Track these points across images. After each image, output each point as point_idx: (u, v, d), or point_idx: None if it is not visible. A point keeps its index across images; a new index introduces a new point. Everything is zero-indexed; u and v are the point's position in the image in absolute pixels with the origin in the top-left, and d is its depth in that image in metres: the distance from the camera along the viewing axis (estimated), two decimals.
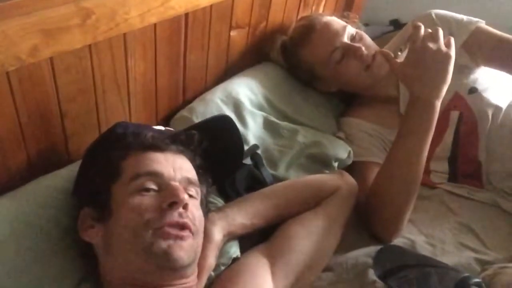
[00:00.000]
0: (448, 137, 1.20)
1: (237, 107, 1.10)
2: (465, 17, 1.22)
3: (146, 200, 0.68)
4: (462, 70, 1.19)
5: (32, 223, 0.74)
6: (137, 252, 0.65)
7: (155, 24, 0.92)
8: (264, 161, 1.05)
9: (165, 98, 1.07)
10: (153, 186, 0.69)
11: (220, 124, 0.88)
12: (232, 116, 1.08)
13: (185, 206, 0.68)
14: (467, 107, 1.19)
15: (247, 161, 1.02)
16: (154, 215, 0.66)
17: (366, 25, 1.51)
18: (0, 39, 0.65)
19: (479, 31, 1.19)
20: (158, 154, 0.73)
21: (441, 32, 0.97)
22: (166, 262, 0.65)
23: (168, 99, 1.08)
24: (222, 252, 0.84)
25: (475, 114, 1.18)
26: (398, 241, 1.02)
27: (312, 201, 0.92)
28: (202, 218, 0.74)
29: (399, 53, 1.03)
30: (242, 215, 0.85)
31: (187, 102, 1.12)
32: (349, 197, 0.97)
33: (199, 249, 0.72)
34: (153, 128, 0.84)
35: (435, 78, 0.96)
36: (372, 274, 0.93)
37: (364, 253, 0.98)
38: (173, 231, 0.66)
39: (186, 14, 0.99)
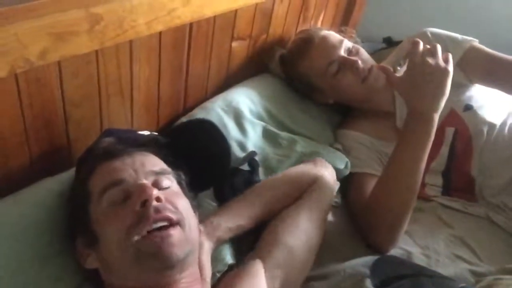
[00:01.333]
0: (444, 152, 1.22)
1: (237, 116, 1.11)
2: (459, 36, 1.25)
3: (120, 210, 0.67)
4: (458, 87, 1.21)
5: (32, 226, 0.74)
6: (129, 263, 0.64)
7: (160, 32, 0.93)
8: (261, 169, 1.07)
9: (167, 105, 1.08)
10: (121, 195, 0.68)
11: (203, 126, 0.89)
12: (232, 125, 1.10)
13: (158, 199, 0.66)
14: (462, 123, 1.21)
15: (245, 167, 1.03)
16: (132, 221, 0.65)
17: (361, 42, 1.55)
18: (11, 41, 0.66)
19: (473, 50, 1.23)
20: (114, 161, 0.72)
21: (439, 48, 0.99)
22: (161, 263, 0.64)
23: (170, 106, 1.10)
24: (217, 259, 0.84)
25: (470, 130, 1.21)
26: (394, 251, 1.04)
27: (293, 194, 0.93)
28: (186, 201, 0.72)
29: (398, 68, 1.06)
30: (226, 219, 0.86)
31: (187, 109, 1.13)
32: (328, 185, 0.97)
33: (194, 235, 0.70)
34: (135, 133, 0.84)
35: (433, 92, 0.97)
36: (369, 284, 0.93)
37: (361, 263, 0.99)
38: (158, 233, 0.64)
39: (191, 24, 1.01)
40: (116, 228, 0.65)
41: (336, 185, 1.00)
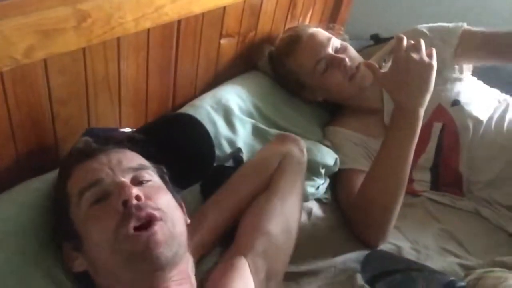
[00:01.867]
0: (431, 147, 1.23)
1: (227, 113, 1.11)
2: (450, 24, 1.28)
3: (100, 210, 0.65)
4: (446, 82, 1.23)
5: (19, 226, 0.73)
6: (119, 265, 0.63)
7: (148, 30, 0.93)
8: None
9: (155, 103, 1.08)
10: (100, 195, 0.67)
11: (182, 120, 0.88)
12: (222, 122, 1.10)
13: (137, 198, 0.64)
14: (449, 119, 1.22)
15: (230, 163, 1.03)
16: (115, 222, 0.63)
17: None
18: None
19: (466, 33, 1.25)
20: (90, 162, 0.70)
21: (423, 43, 1.00)
22: (149, 265, 0.63)
23: (158, 104, 1.09)
24: (208, 262, 0.84)
25: (457, 126, 1.22)
26: (384, 246, 1.04)
27: (263, 181, 0.90)
28: (167, 196, 0.71)
29: (383, 64, 1.06)
30: (208, 233, 0.85)
31: (176, 107, 1.13)
32: (296, 160, 0.94)
33: (179, 229, 0.68)
34: (117, 131, 0.83)
35: (418, 87, 0.98)
36: (360, 279, 0.94)
37: (352, 258, 1.00)
38: (143, 233, 0.62)
39: (179, 21, 1.00)
40: (100, 229, 0.64)
41: (303, 159, 0.97)
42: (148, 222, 0.64)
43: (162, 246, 0.63)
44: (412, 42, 1.00)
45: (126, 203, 0.64)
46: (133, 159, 0.73)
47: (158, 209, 0.66)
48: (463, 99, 1.23)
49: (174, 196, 0.73)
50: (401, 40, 1.00)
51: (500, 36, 1.21)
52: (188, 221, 0.75)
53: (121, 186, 0.65)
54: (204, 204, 0.91)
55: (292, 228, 0.88)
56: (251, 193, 0.89)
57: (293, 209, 0.89)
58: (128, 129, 0.84)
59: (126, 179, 0.68)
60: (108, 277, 0.67)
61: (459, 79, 1.26)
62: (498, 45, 1.22)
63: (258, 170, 0.92)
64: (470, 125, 1.21)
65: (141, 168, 0.72)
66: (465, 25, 1.27)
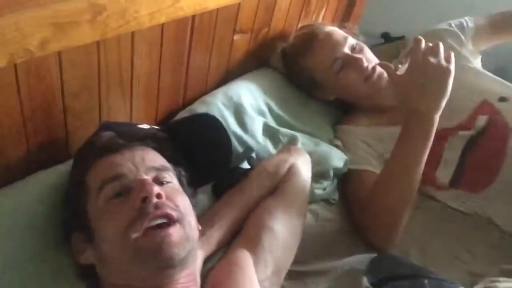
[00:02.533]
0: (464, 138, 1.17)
1: (238, 111, 1.10)
2: (463, 20, 1.32)
3: (118, 205, 0.66)
4: (482, 75, 1.25)
5: (28, 218, 0.73)
6: (128, 260, 0.63)
7: (162, 24, 0.92)
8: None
9: (166, 98, 1.07)
10: (121, 190, 0.67)
11: (206, 121, 0.87)
12: (232, 119, 1.09)
13: (158, 196, 0.65)
14: (497, 113, 1.17)
15: (245, 165, 1.02)
16: (131, 218, 0.63)
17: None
18: (11, 30, 0.64)
19: (477, 24, 1.30)
20: (114, 156, 0.71)
21: (441, 47, 0.98)
22: (162, 262, 0.63)
23: (169, 99, 1.08)
24: (213, 259, 0.84)
25: (508, 121, 1.15)
26: (391, 250, 1.04)
27: (272, 186, 0.93)
28: (185, 199, 0.71)
29: (400, 66, 1.05)
30: (218, 231, 0.85)
31: (187, 102, 1.12)
32: (302, 170, 0.97)
33: (193, 233, 0.69)
34: (137, 127, 0.82)
35: (434, 92, 0.97)
36: (366, 282, 0.93)
37: (358, 260, 0.99)
38: (158, 232, 0.63)
39: (193, 16, 0.99)
40: (114, 224, 0.64)
41: (310, 171, 1.00)
42: (164, 223, 0.64)
43: (176, 247, 0.63)
44: (431, 45, 0.98)
45: (145, 199, 0.64)
46: (156, 159, 0.73)
47: (176, 210, 0.66)
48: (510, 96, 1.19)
49: (190, 201, 0.73)
50: (419, 42, 0.98)
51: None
52: (200, 227, 0.75)
53: (143, 183, 0.66)
54: (215, 204, 0.91)
55: (296, 229, 0.89)
56: (261, 195, 0.91)
57: (297, 216, 0.91)
58: (146, 125, 0.83)
59: (148, 177, 0.68)
60: (114, 273, 0.67)
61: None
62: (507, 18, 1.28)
63: (269, 175, 0.94)
64: None
65: (163, 169, 0.72)
66: (473, 18, 1.31)
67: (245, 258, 0.79)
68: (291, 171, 0.95)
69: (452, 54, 0.99)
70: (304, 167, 0.98)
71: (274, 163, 0.97)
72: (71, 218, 0.73)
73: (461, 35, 1.29)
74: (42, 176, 0.80)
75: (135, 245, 0.62)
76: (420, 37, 1.00)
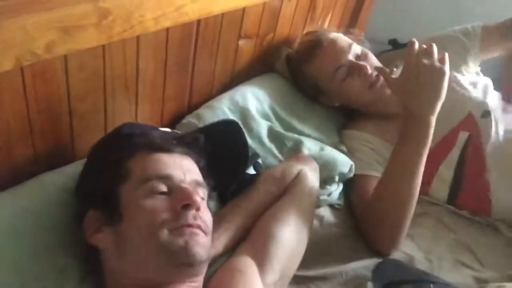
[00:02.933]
0: (453, 157, 1.20)
1: (244, 115, 1.11)
2: (468, 26, 1.31)
3: (158, 202, 0.67)
4: (473, 86, 1.23)
5: (33, 219, 0.74)
6: (154, 252, 0.65)
7: (167, 29, 0.93)
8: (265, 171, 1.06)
9: (171, 102, 1.08)
10: (164, 189, 0.69)
11: (227, 129, 0.88)
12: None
13: (198, 208, 0.68)
14: (477, 131, 1.20)
15: (251, 170, 1.02)
16: (168, 217, 0.66)
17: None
18: (18, 33, 0.65)
19: (485, 32, 1.29)
20: (166, 156, 0.73)
21: (435, 48, 0.98)
22: (185, 258, 0.64)
23: (174, 103, 1.09)
24: (217, 263, 0.83)
25: (483, 138, 1.19)
26: (396, 255, 1.03)
27: (279, 192, 0.93)
28: (210, 216, 0.74)
29: (394, 69, 1.05)
30: (224, 235, 0.85)
31: (192, 107, 1.13)
32: (310, 177, 0.97)
33: (210, 249, 0.72)
34: (159, 130, 0.84)
35: (429, 94, 0.96)
36: (371, 287, 0.93)
37: (363, 266, 0.98)
38: (188, 229, 0.66)
39: (199, 21, 1.00)
40: (150, 218, 0.66)
41: (317, 178, 1.01)
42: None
43: (200, 248, 0.66)
44: (425, 46, 0.98)
45: (187, 206, 0.67)
46: (198, 173, 0.76)
47: (206, 226, 0.70)
48: (494, 111, 1.20)
49: None
50: (412, 44, 0.98)
51: None
52: None
53: (191, 191, 0.68)
54: (223, 209, 0.92)
55: (303, 235, 0.89)
56: (268, 201, 0.92)
57: (304, 223, 0.91)
58: (167, 129, 0.84)
59: (190, 187, 0.71)
60: (130, 262, 0.67)
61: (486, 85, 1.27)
62: None
63: (276, 181, 0.94)
64: (499, 139, 1.18)
65: (202, 185, 0.75)
66: (481, 25, 1.30)
67: (248, 264, 0.79)
68: (299, 177, 0.95)
69: (446, 55, 0.98)
70: (311, 174, 0.98)
71: (280, 169, 0.97)
72: (93, 195, 0.73)
73: (464, 40, 1.29)
74: (48, 177, 0.81)
75: (164, 239, 0.64)
76: (414, 39, 0.99)
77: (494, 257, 1.07)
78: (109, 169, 0.72)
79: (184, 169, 0.73)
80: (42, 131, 0.81)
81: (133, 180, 0.70)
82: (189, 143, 0.79)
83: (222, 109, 1.09)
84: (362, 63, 1.21)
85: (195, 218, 0.67)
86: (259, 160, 1.06)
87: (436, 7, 1.79)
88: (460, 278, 1.00)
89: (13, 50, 0.66)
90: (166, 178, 0.70)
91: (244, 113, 1.11)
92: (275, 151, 1.12)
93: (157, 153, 0.73)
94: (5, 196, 0.75)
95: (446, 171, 1.21)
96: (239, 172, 0.92)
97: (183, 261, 0.65)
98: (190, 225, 0.66)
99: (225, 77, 1.22)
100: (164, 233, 0.65)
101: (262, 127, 1.13)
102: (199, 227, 0.67)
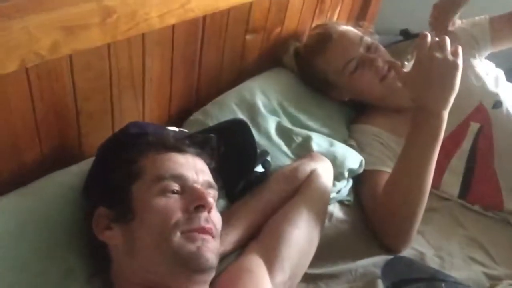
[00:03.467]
0: (464, 150, 1.19)
1: (251, 111, 1.10)
2: (476, 18, 1.29)
3: (171, 202, 0.67)
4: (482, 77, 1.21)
5: (41, 219, 0.74)
6: (165, 255, 0.64)
7: (173, 26, 0.92)
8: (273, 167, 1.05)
9: (179, 99, 1.07)
10: (177, 188, 0.69)
11: (235, 128, 0.87)
12: (246, 120, 1.08)
13: (209, 210, 0.68)
14: (488, 121, 1.18)
15: (259, 168, 1.02)
16: (180, 217, 0.66)
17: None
18: (22, 34, 0.65)
19: (494, 22, 1.27)
20: (179, 156, 0.73)
21: (448, 41, 0.95)
22: (197, 264, 0.64)
23: (182, 100, 1.08)
24: (226, 261, 0.83)
25: (494, 129, 1.18)
26: (407, 252, 1.02)
27: (290, 190, 0.92)
28: (220, 218, 0.73)
29: (406, 63, 1.03)
30: (233, 233, 0.85)
31: (200, 104, 1.12)
32: (323, 176, 0.96)
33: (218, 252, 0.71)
34: (168, 129, 0.83)
35: (441, 87, 0.94)
36: (380, 285, 0.92)
37: (373, 263, 0.98)
38: (200, 235, 0.66)
39: (204, 17, 0.99)
40: (163, 216, 0.65)
41: (331, 178, 1.00)
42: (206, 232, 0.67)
43: (211, 254, 0.66)
44: (437, 39, 0.96)
45: (199, 207, 0.67)
46: (209, 174, 0.76)
47: (216, 227, 0.70)
48: (506, 101, 1.19)
49: None
50: (425, 37, 0.96)
51: None
52: None
53: (204, 193, 0.68)
54: (233, 206, 0.91)
55: (314, 235, 0.89)
56: (280, 199, 0.91)
57: (316, 222, 0.90)
58: (174, 128, 0.84)
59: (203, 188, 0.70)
60: (140, 262, 0.67)
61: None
62: None
63: (287, 178, 0.94)
64: (509, 132, 1.16)
65: (213, 187, 0.74)
66: (489, 16, 1.28)
67: (257, 263, 0.79)
68: (312, 177, 0.94)
69: (460, 48, 0.95)
70: (325, 174, 0.97)
71: (293, 167, 0.96)
72: (104, 192, 0.72)
73: (473, 31, 1.27)
74: (57, 177, 0.81)
75: (177, 243, 0.64)
76: (426, 32, 0.97)
77: (507, 253, 1.05)
78: (122, 168, 0.72)
79: (197, 169, 0.72)
80: (49, 131, 0.81)
81: (146, 179, 0.69)
82: (202, 144, 0.78)
83: (230, 105, 1.08)
84: (372, 55, 1.19)
85: (207, 221, 0.67)
86: (268, 158, 1.05)
87: None
88: (472, 275, 0.99)
89: (17, 51, 0.66)
90: (180, 178, 0.69)
91: (251, 109, 1.10)
92: (284, 147, 1.11)
93: (171, 152, 0.73)
94: (13, 196, 0.75)
95: (458, 164, 1.19)
96: (246, 172, 0.91)
97: (194, 267, 0.64)
98: (202, 229, 0.66)
99: (233, 73, 1.21)
100: (177, 236, 0.64)
101: (270, 122, 1.12)
102: (210, 231, 0.67)
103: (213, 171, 0.78)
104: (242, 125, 0.88)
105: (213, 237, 0.68)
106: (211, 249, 0.66)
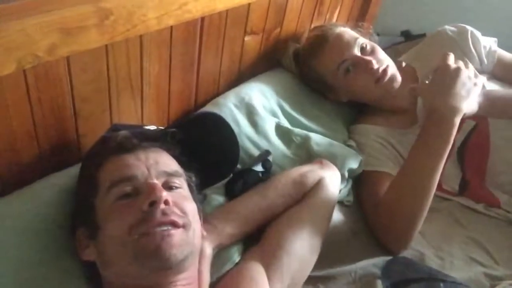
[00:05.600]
0: (457, 143, 1.20)
1: (250, 112, 1.10)
2: (487, 44, 1.31)
3: (126, 206, 0.66)
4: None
5: (38, 221, 0.74)
6: (128, 260, 0.64)
7: (171, 27, 0.92)
8: (274, 167, 1.05)
9: (177, 101, 1.07)
10: (131, 191, 0.68)
11: (212, 122, 0.87)
12: (245, 121, 1.09)
13: (166, 202, 0.65)
14: (485, 119, 1.19)
15: (259, 167, 1.02)
16: (136, 219, 0.64)
17: (377, 35, 1.52)
18: (19, 36, 0.65)
19: (500, 61, 1.32)
20: (128, 156, 0.71)
21: (472, 67, 1.03)
22: (159, 262, 0.63)
23: (180, 101, 1.08)
24: (225, 257, 0.83)
25: (490, 129, 1.18)
26: (407, 253, 1.02)
27: (296, 196, 0.91)
28: (193, 206, 0.72)
29: (426, 82, 1.04)
30: (230, 225, 0.84)
31: (198, 105, 1.12)
32: (331, 187, 0.95)
33: (197, 239, 0.69)
34: (142, 129, 0.82)
35: (459, 95, 0.97)
36: (380, 286, 0.92)
37: (373, 264, 0.97)
38: (159, 231, 0.63)
39: (202, 18, 0.99)
40: (119, 223, 0.65)
41: (338, 188, 0.99)
42: (168, 229, 0.65)
43: (175, 248, 0.63)
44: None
45: (153, 204, 0.64)
46: (169, 163, 0.74)
47: (183, 216, 0.67)
48: None
49: (198, 207, 0.73)
50: (448, 54, 1.03)
51: None
52: (205, 233, 0.76)
53: (153, 187, 0.66)
54: (233, 201, 0.90)
55: (316, 245, 0.88)
56: (285, 203, 0.90)
57: (320, 232, 0.89)
58: (153, 127, 0.84)
59: (159, 181, 0.69)
60: (114, 271, 0.67)
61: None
62: None
63: (298, 185, 0.92)
64: (503, 131, 1.17)
65: (174, 174, 0.72)
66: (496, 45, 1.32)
67: (258, 270, 0.78)
68: (319, 185, 0.93)
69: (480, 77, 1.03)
70: (333, 183, 0.96)
71: (302, 172, 0.95)
72: (78, 213, 0.74)
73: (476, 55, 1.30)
74: (54, 179, 0.81)
75: (136, 244, 0.63)
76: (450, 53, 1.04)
77: (507, 253, 1.04)
78: (84, 185, 0.73)
79: (149, 164, 0.70)
80: (47, 133, 0.81)
81: (102, 189, 0.69)
82: (153, 136, 0.77)
83: (228, 106, 1.08)
84: (367, 57, 1.19)
85: (164, 213, 0.65)
86: (270, 158, 1.05)
87: None
88: (472, 275, 0.98)
89: (14, 53, 0.66)
90: (130, 180, 0.68)
91: (250, 109, 1.10)
92: (283, 147, 1.11)
93: (119, 155, 0.72)
94: (11, 199, 0.75)
95: (454, 159, 1.20)
96: (233, 160, 0.90)
97: (158, 266, 0.63)
98: (161, 223, 0.64)
99: (232, 74, 1.21)
100: (134, 240, 0.63)
101: (269, 123, 1.13)
102: (171, 222, 0.65)
103: (179, 157, 0.77)
104: (217, 117, 0.88)
105: (179, 227, 0.65)
106: (175, 243, 0.63)
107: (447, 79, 0.98)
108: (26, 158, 0.80)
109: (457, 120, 0.96)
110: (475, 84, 1.00)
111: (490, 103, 1.15)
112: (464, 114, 0.99)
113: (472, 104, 1.01)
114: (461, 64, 1.01)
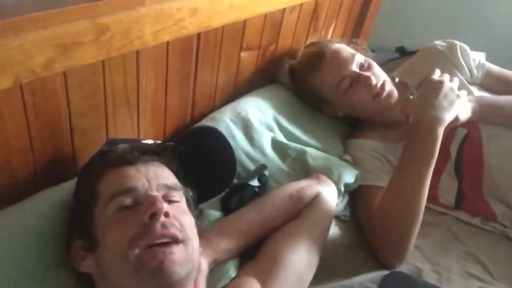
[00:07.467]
0: (453, 153, 1.21)
1: (246, 126, 1.10)
2: (476, 58, 1.34)
3: (126, 218, 0.66)
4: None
5: (34, 237, 0.74)
6: (128, 274, 0.63)
7: (167, 43, 0.93)
8: (270, 182, 1.05)
9: (174, 116, 1.08)
10: (131, 203, 0.68)
11: (209, 136, 0.88)
12: (241, 135, 1.09)
13: (166, 214, 0.65)
14: (475, 127, 1.20)
15: (255, 182, 1.01)
16: (136, 232, 0.64)
17: (372, 51, 1.54)
18: (17, 51, 0.66)
19: (488, 73, 1.35)
20: (129, 168, 0.71)
21: (457, 80, 1.07)
22: (161, 280, 0.62)
23: (177, 116, 1.09)
24: (221, 272, 0.83)
25: (482, 137, 1.20)
26: (403, 267, 1.01)
27: (293, 211, 0.91)
28: (192, 221, 0.71)
29: (411, 97, 1.06)
30: (226, 240, 0.84)
31: (195, 120, 1.13)
32: (329, 202, 0.95)
33: (196, 255, 0.69)
34: (141, 143, 0.82)
35: (442, 106, 1.00)
36: None
37: (370, 279, 0.96)
38: (161, 249, 0.63)
39: (199, 34, 1.01)
40: (119, 235, 0.65)
41: (335, 203, 0.99)
42: (169, 242, 0.64)
43: (178, 266, 0.63)
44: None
45: (154, 215, 0.64)
46: (169, 176, 0.74)
47: (181, 231, 0.67)
48: None
49: (195, 222, 0.73)
50: (436, 70, 1.08)
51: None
52: (200, 249, 0.75)
53: (154, 199, 0.66)
54: (229, 216, 0.90)
55: (313, 261, 0.88)
56: (282, 218, 0.89)
57: (317, 247, 0.89)
58: (149, 141, 0.84)
59: (159, 194, 0.69)
60: (111, 283, 0.66)
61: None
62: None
63: (295, 200, 0.92)
64: (497, 140, 1.18)
65: (174, 187, 0.72)
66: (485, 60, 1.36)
67: (253, 286, 0.77)
68: (317, 200, 0.92)
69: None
70: (330, 199, 0.96)
71: (299, 187, 0.94)
72: (75, 223, 0.73)
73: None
74: (50, 193, 0.81)
75: (137, 260, 0.62)
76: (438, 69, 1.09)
77: (504, 268, 1.04)
78: (83, 196, 0.73)
79: (150, 176, 0.71)
80: (43, 147, 0.81)
81: (101, 201, 0.69)
82: (154, 150, 0.77)
83: (225, 120, 1.09)
84: (366, 73, 1.20)
85: (164, 226, 0.65)
86: (266, 172, 1.05)
87: (442, 13, 1.78)
88: None
89: (11, 68, 0.66)
90: (130, 191, 0.68)
91: (246, 124, 1.11)
92: (279, 162, 1.11)
93: (120, 167, 0.72)
94: (5, 213, 0.75)
95: (450, 170, 1.21)
96: (230, 176, 0.90)
97: (161, 283, 0.63)
98: (161, 236, 0.64)
99: (228, 89, 1.22)
100: (135, 254, 0.63)
101: (265, 138, 1.13)
102: (171, 236, 0.65)
103: (178, 172, 0.77)
104: (212, 130, 0.89)
105: (178, 243, 0.65)
106: (177, 260, 0.63)
107: (430, 92, 1.02)
108: (22, 172, 0.80)
109: (440, 130, 0.99)
110: (458, 96, 1.03)
111: (482, 109, 1.18)
112: (449, 124, 1.01)
113: (464, 111, 1.05)
114: (445, 77, 1.06)
